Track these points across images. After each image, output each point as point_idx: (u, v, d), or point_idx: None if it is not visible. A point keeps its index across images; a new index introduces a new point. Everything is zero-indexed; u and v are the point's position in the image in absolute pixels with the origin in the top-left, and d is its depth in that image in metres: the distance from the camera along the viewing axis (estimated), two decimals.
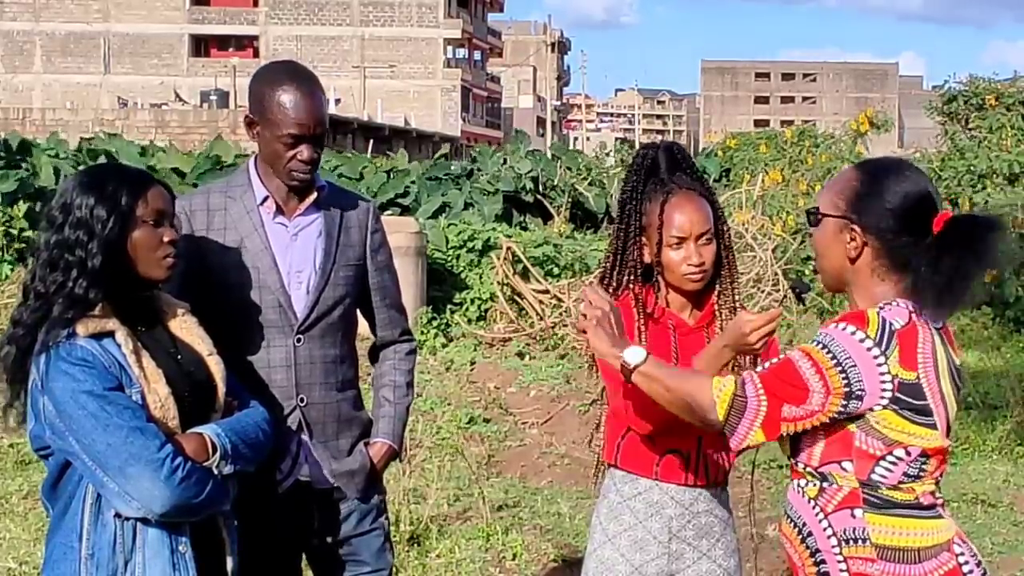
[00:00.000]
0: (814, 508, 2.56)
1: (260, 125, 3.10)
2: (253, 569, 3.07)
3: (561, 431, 8.10)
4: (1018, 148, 16.80)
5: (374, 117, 49.29)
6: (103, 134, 22.77)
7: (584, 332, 2.65)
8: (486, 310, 10.95)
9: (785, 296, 11.17)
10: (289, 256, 3.13)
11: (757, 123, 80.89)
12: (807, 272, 12.29)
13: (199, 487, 2.60)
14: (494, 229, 12.14)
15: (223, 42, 61.59)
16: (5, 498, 6.49)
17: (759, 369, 2.52)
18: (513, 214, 16.37)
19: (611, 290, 3.18)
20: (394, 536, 4.47)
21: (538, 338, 10.19)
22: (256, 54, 60.08)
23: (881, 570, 2.49)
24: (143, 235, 2.68)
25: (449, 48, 63.55)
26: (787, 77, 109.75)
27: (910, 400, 2.45)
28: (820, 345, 2.46)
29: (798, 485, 2.60)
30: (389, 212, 14.60)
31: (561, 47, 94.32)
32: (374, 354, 3.42)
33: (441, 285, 11.10)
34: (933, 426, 2.50)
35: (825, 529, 2.54)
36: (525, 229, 14.59)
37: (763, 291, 11.19)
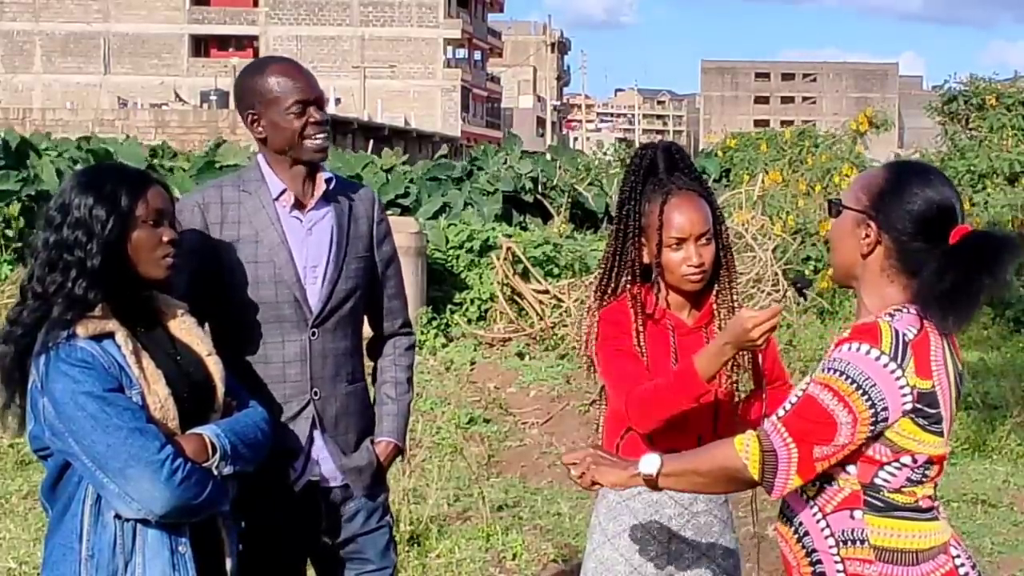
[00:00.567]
0: (812, 508, 2.55)
1: (262, 112, 3.09)
2: (259, 570, 3.07)
3: (561, 431, 8.10)
4: (1018, 148, 16.80)
5: (374, 117, 49.30)
6: (98, 135, 22.74)
7: (593, 484, 2.70)
8: (486, 310, 10.95)
9: (785, 295, 11.17)
10: (305, 250, 3.13)
11: (757, 123, 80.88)
12: (807, 272, 12.29)
13: (199, 488, 2.60)
14: (494, 229, 12.14)
15: (223, 42, 61.59)
16: (5, 498, 6.49)
17: (781, 412, 2.49)
18: (513, 214, 16.37)
19: (610, 291, 3.18)
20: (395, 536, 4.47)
21: (538, 338, 10.19)
22: (256, 54, 60.01)
23: (879, 571, 2.49)
24: (143, 235, 2.67)
25: (449, 48, 63.55)
26: (787, 77, 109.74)
27: (926, 409, 2.45)
28: (837, 372, 2.43)
29: None
30: (389, 212, 14.55)
31: (561, 47, 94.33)
32: (373, 347, 3.42)
33: (441, 285, 11.10)
34: (940, 433, 2.50)
35: (823, 529, 2.53)
36: (525, 229, 14.59)
37: (763, 291, 11.18)
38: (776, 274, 11.37)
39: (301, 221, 3.14)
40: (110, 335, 2.60)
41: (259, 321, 3.09)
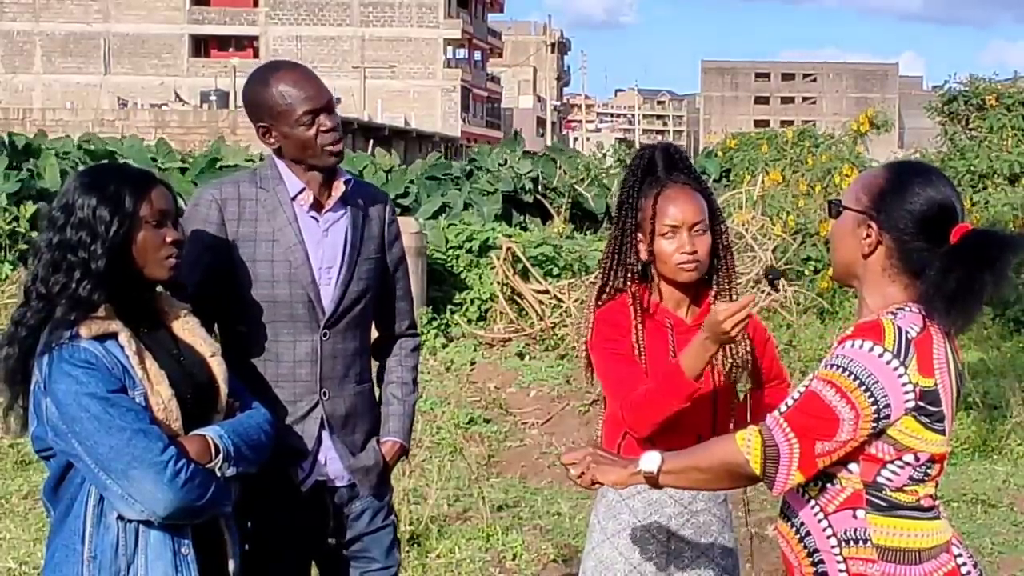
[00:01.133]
0: (813, 508, 2.55)
1: (274, 124, 3.09)
2: (265, 570, 3.08)
3: (561, 431, 8.10)
4: (1019, 148, 16.80)
5: (374, 117, 49.27)
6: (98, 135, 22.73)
7: (593, 483, 2.69)
8: (486, 310, 10.95)
9: (785, 296, 11.18)
10: (320, 251, 3.12)
11: (757, 123, 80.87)
12: (806, 272, 12.29)
13: (202, 489, 2.60)
14: (493, 229, 12.15)
15: (223, 42, 61.57)
16: (5, 498, 6.49)
17: (783, 408, 2.49)
18: (513, 214, 16.38)
19: (608, 290, 3.19)
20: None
21: (538, 338, 10.19)
22: (256, 54, 60.03)
23: (882, 571, 2.49)
24: (147, 236, 2.67)
25: (449, 48, 63.53)
26: (787, 77, 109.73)
27: (929, 407, 2.45)
28: (839, 369, 2.43)
29: (798, 484, 2.60)
30: None
31: (561, 47, 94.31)
32: (379, 347, 3.41)
33: (441, 285, 11.10)
34: (942, 432, 2.50)
35: (824, 529, 2.53)
36: (525, 229, 14.60)
37: (763, 291, 11.18)
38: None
39: (318, 222, 3.14)
40: (113, 336, 2.60)
41: (272, 319, 3.08)
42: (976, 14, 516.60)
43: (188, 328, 2.80)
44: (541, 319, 10.40)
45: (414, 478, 6.32)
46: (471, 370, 9.41)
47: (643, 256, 3.14)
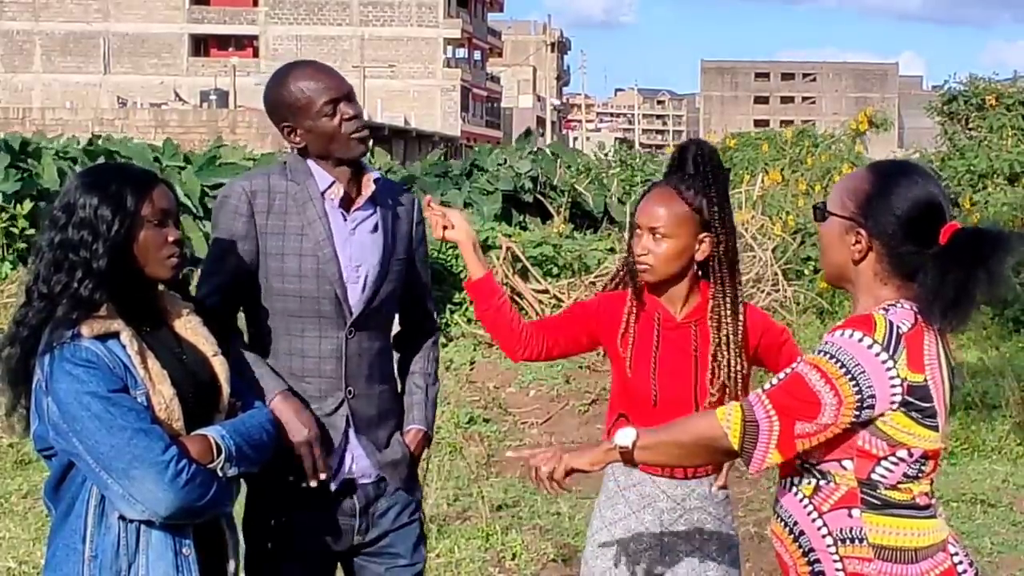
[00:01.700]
0: (807, 507, 2.55)
1: (296, 121, 3.08)
2: (290, 571, 3.08)
3: (561, 431, 8.11)
4: (1018, 148, 16.81)
5: (374, 117, 49.25)
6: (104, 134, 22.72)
7: (568, 473, 2.68)
8: None
9: (785, 296, 11.18)
10: (348, 249, 3.11)
11: (757, 123, 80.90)
12: (806, 272, 12.29)
13: (203, 489, 2.59)
14: (493, 229, 12.14)
15: (223, 42, 61.56)
16: (4, 497, 6.49)
17: (767, 386, 2.50)
18: (512, 214, 16.36)
19: (615, 282, 3.33)
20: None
21: None
22: (256, 54, 60.07)
23: (878, 570, 2.49)
24: (149, 235, 2.67)
25: (449, 48, 63.52)
26: (787, 77, 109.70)
27: (919, 402, 2.45)
28: (827, 355, 2.44)
29: (791, 483, 2.59)
30: None
31: (561, 47, 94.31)
32: (400, 340, 3.41)
33: (441, 285, 11.09)
34: (935, 428, 2.50)
35: (819, 528, 2.53)
36: (524, 229, 14.59)
37: (763, 291, 11.19)
38: (776, 274, 11.38)
39: (346, 220, 3.13)
40: (115, 335, 2.60)
41: (298, 314, 3.07)
42: (976, 14, 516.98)
43: (190, 327, 2.80)
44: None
45: None
46: (471, 369, 9.41)
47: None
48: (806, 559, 2.55)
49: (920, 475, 2.52)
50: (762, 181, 14.41)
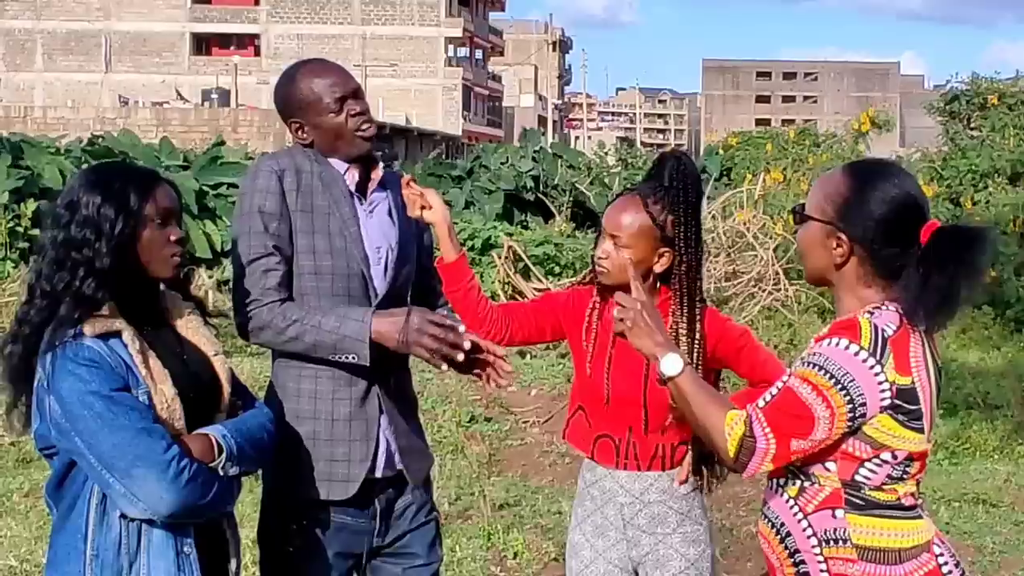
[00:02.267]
0: (793, 508, 2.55)
1: (304, 117, 3.10)
2: (310, 572, 3.07)
3: (561, 430, 8.09)
4: (1020, 147, 16.80)
5: (375, 116, 49.22)
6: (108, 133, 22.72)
7: (623, 335, 2.66)
8: None
9: (786, 295, 11.17)
10: (368, 230, 3.13)
11: (758, 122, 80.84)
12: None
13: (204, 489, 2.59)
14: (495, 228, 12.15)
15: (224, 40, 61.56)
16: (6, 496, 6.49)
17: (762, 403, 2.49)
18: (514, 213, 16.38)
19: (585, 278, 3.40)
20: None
21: None
22: (257, 52, 60.06)
23: (862, 571, 2.48)
24: (152, 235, 2.67)
25: (450, 47, 63.50)
26: (788, 76, 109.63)
27: (906, 405, 2.45)
28: (815, 367, 2.44)
29: (777, 484, 2.60)
30: None
31: (562, 46, 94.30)
32: None
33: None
34: (921, 430, 2.50)
35: (805, 529, 2.53)
36: (526, 228, 14.60)
37: (764, 290, 11.19)
38: (777, 273, 11.38)
39: (363, 203, 3.15)
40: (117, 334, 2.59)
41: (331, 292, 3.07)
42: (977, 13, 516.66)
43: (192, 327, 2.80)
44: None
45: None
46: None
47: None
48: (792, 560, 2.55)
49: (905, 476, 2.51)
50: (763, 180, 14.41)
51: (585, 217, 16.94)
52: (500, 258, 10.92)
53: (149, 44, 59.91)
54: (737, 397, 3.27)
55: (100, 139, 18.32)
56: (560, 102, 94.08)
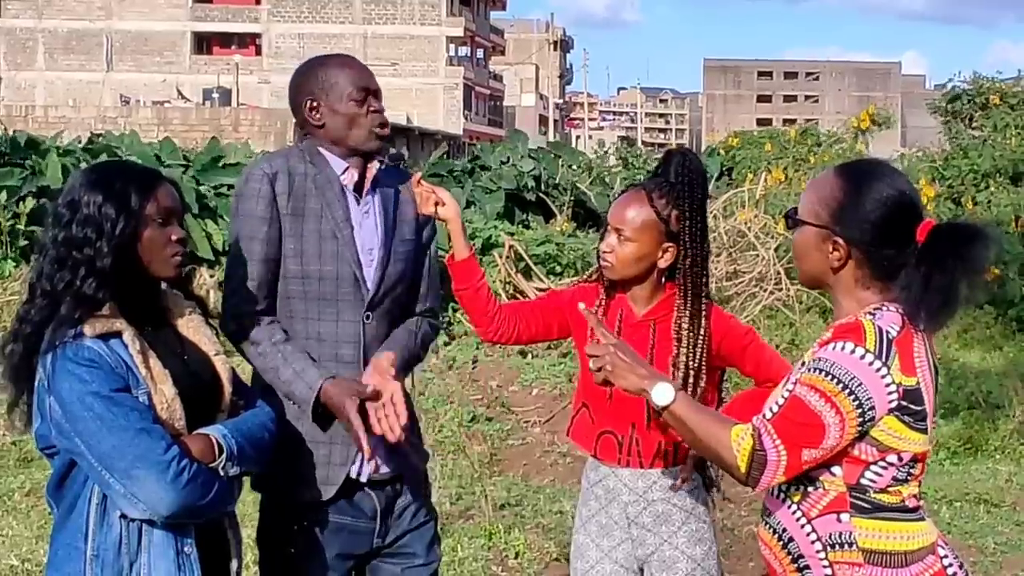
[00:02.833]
0: (795, 513, 2.53)
1: (322, 99, 3.10)
2: (310, 573, 3.07)
3: (563, 429, 8.06)
4: (1022, 147, 16.79)
5: None
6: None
7: (607, 383, 2.61)
8: None
9: (788, 295, 11.17)
10: (362, 232, 3.13)
11: (760, 122, 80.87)
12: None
13: (205, 489, 2.59)
14: (496, 227, 12.14)
15: (226, 40, 61.56)
16: (7, 495, 6.49)
17: (768, 415, 2.46)
18: (515, 212, 16.37)
19: (591, 275, 3.41)
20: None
21: None
22: (259, 52, 60.07)
23: (868, 574, 2.47)
24: (153, 234, 2.66)
25: (451, 46, 63.49)
26: (790, 76, 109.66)
27: (912, 406, 2.44)
28: (822, 373, 2.42)
29: (779, 489, 2.56)
30: None
31: (563, 45, 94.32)
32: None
33: (443, 283, 11.08)
34: (925, 431, 2.49)
35: (808, 534, 2.51)
36: (527, 227, 14.60)
37: (766, 290, 11.18)
38: (779, 273, 11.37)
39: (359, 203, 3.15)
40: (117, 334, 2.59)
41: (318, 296, 3.07)
42: (979, 13, 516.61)
43: (192, 327, 2.80)
44: None
45: None
46: (473, 368, 9.40)
47: None
48: (795, 565, 2.53)
49: (909, 478, 2.50)
50: (765, 180, 14.40)
51: (586, 217, 16.92)
52: (501, 258, 10.92)
53: (150, 43, 59.92)
54: (743, 397, 3.27)
55: (100, 137, 18.31)
56: (561, 101, 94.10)
